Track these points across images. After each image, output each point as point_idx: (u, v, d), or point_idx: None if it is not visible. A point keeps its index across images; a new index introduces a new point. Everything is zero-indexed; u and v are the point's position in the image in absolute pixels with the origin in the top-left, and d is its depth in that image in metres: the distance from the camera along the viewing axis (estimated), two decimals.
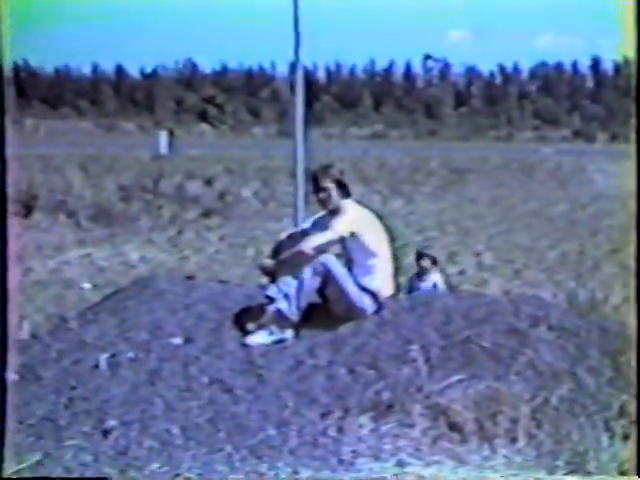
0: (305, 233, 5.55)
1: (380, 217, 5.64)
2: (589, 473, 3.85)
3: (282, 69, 77.13)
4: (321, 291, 5.36)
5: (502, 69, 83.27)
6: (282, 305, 5.26)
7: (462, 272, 12.00)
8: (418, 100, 77.95)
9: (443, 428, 4.23)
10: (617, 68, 79.39)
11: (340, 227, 5.37)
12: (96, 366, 4.94)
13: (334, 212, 5.46)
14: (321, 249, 5.35)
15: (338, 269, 5.32)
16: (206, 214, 18.15)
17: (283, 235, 5.73)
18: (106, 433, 4.19)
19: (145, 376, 4.80)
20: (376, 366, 4.79)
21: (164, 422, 4.29)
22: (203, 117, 69.82)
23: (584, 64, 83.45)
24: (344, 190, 5.47)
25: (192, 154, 32.58)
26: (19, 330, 5.16)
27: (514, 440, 4.16)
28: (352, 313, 5.33)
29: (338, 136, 57.34)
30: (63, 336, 5.42)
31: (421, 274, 8.00)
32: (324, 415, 4.35)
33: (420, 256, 8.09)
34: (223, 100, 72.05)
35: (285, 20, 7.20)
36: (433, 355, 4.85)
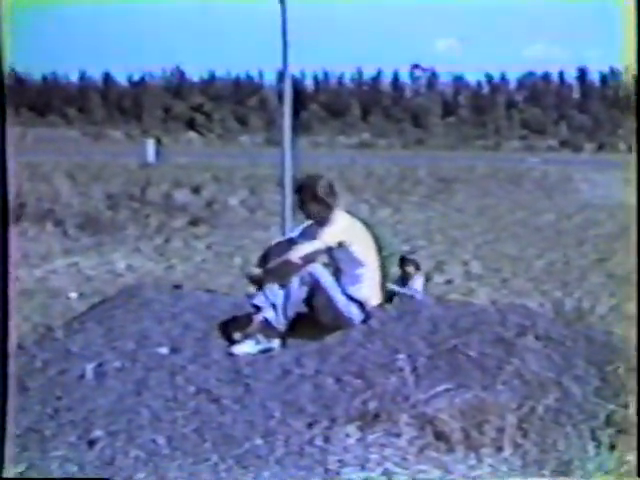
0: (293, 242, 5.54)
1: (368, 226, 5.64)
2: None
3: (270, 78, 77.27)
4: (308, 300, 5.36)
5: (490, 78, 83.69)
6: (269, 314, 5.25)
7: (449, 281, 12.00)
8: (406, 109, 78.17)
9: (429, 437, 4.23)
10: (604, 79, 80.00)
11: (328, 237, 5.36)
12: (82, 376, 4.92)
13: (322, 221, 5.46)
14: (309, 258, 5.34)
15: (326, 278, 5.31)
16: (193, 222, 18.08)
17: (271, 243, 5.73)
18: (92, 443, 4.18)
19: (131, 386, 4.79)
20: (363, 375, 4.80)
21: (150, 432, 4.28)
22: (191, 125, 69.78)
23: (571, 74, 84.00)
24: (331, 201, 5.46)
25: (180, 162, 32.50)
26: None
27: (500, 449, 4.16)
28: (339, 322, 5.33)
29: (326, 145, 57.36)
30: (49, 346, 5.39)
31: (405, 279, 7.98)
32: (311, 425, 4.35)
33: (404, 261, 8.07)
34: (211, 108, 72.07)
35: (273, 29, 7.21)
36: (420, 364, 4.86)
